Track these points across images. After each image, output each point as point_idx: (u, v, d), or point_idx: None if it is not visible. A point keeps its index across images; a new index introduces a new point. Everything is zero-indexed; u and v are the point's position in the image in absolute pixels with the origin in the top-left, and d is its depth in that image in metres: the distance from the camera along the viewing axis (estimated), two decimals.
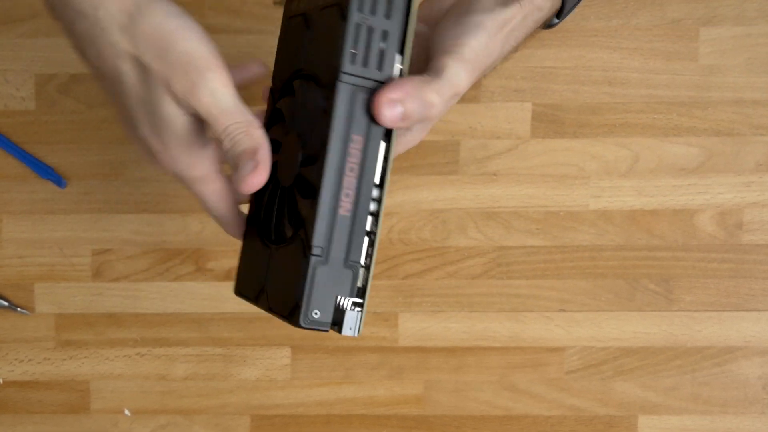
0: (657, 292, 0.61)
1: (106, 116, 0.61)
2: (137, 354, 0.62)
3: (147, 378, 0.62)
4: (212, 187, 0.45)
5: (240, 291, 0.50)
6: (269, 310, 0.45)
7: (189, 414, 0.63)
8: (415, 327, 0.61)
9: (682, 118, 0.59)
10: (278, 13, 0.59)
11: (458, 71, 0.45)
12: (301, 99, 0.46)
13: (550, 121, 0.59)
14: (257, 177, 0.42)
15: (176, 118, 0.42)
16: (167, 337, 0.62)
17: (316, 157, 0.42)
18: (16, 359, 0.63)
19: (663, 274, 0.60)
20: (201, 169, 0.44)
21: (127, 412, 0.63)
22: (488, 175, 0.60)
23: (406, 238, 0.61)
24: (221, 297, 0.62)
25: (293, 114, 0.46)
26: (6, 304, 0.61)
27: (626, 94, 0.59)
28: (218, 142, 0.44)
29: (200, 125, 0.44)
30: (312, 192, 0.42)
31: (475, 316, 0.61)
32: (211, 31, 0.60)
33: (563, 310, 0.61)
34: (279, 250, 0.45)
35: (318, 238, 0.41)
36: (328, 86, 0.41)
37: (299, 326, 0.41)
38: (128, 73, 0.42)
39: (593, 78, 0.59)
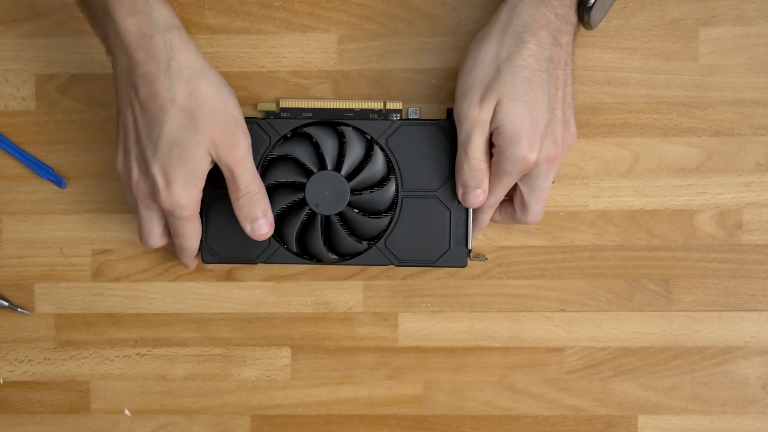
0: (657, 292, 0.61)
1: (106, 116, 0.61)
2: (137, 354, 0.62)
3: (147, 378, 0.63)
4: (193, 225, 0.54)
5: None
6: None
7: (189, 414, 0.63)
8: (415, 327, 0.62)
9: (681, 118, 0.59)
10: (278, 13, 0.60)
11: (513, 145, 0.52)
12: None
13: None
14: (269, 231, 0.54)
15: (202, 163, 0.51)
16: (167, 337, 0.62)
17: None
18: (16, 359, 0.63)
19: (663, 274, 0.60)
20: (192, 209, 0.53)
21: (127, 412, 0.63)
22: None
23: None
24: (221, 297, 0.62)
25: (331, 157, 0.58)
26: (6, 304, 0.62)
27: (626, 94, 0.59)
28: (232, 195, 0.53)
29: (205, 177, 0.52)
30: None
31: (475, 316, 0.61)
32: (211, 31, 0.60)
33: (563, 310, 0.61)
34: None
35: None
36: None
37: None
38: (173, 119, 0.50)
39: (593, 78, 0.59)
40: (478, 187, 0.54)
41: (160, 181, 0.51)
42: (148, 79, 0.50)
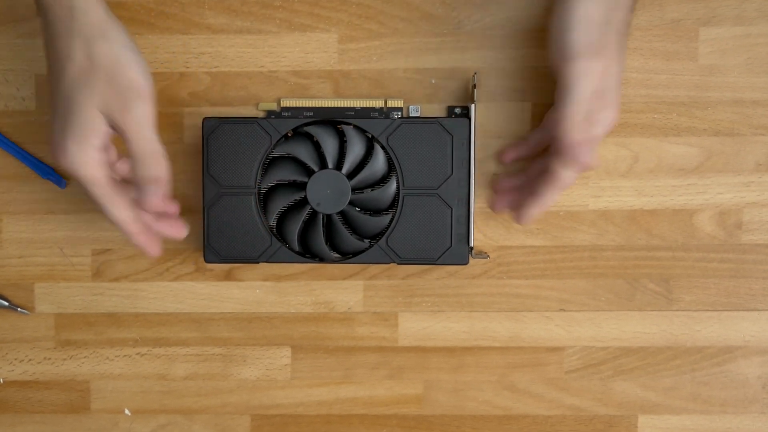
0: (657, 291, 0.61)
1: None
2: (137, 354, 0.62)
3: (147, 378, 0.62)
4: (103, 192, 0.52)
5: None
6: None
7: (189, 414, 0.63)
8: (415, 327, 0.61)
9: (681, 118, 0.59)
10: (278, 13, 0.60)
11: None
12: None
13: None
14: (159, 200, 0.52)
15: (95, 122, 0.50)
16: (167, 337, 0.62)
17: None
18: (16, 359, 0.63)
19: (663, 274, 0.61)
20: (91, 170, 0.51)
21: (127, 412, 0.63)
22: (488, 175, 0.60)
23: None
24: (221, 297, 0.62)
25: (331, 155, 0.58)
26: (6, 304, 0.61)
27: (626, 94, 0.59)
28: (130, 159, 0.52)
29: (107, 142, 0.52)
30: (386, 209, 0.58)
31: (475, 316, 0.61)
32: (211, 31, 0.60)
33: (563, 310, 0.61)
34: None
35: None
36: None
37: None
38: (68, 76, 0.50)
39: None
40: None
41: (57, 139, 0.51)
42: (53, 39, 0.51)
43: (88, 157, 0.51)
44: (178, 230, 0.57)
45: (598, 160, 0.49)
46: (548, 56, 0.53)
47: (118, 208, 0.53)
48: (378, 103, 0.59)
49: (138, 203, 0.53)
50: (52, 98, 0.52)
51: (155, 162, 0.52)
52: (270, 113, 0.60)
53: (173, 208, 0.57)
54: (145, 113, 0.51)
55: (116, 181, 0.53)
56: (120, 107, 0.50)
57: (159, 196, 0.53)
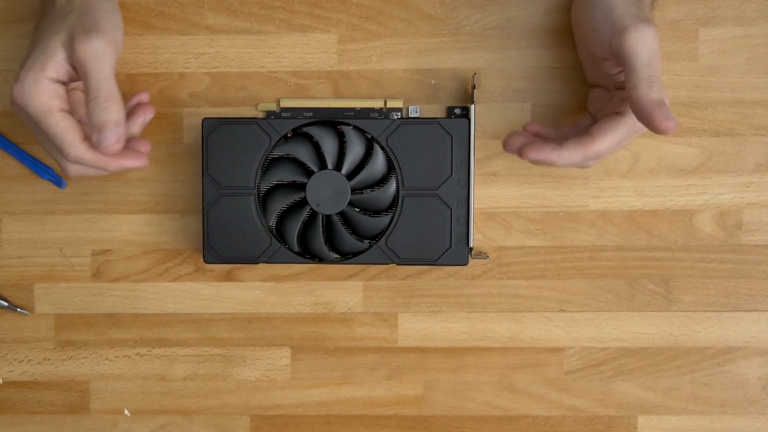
0: (656, 292, 0.61)
1: None
2: (137, 354, 0.62)
3: (147, 378, 0.62)
4: (59, 123, 0.51)
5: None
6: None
7: (189, 414, 0.63)
8: (415, 327, 0.61)
9: (681, 119, 0.59)
10: (278, 13, 0.60)
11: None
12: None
13: (550, 121, 0.59)
14: (116, 146, 0.51)
15: (53, 50, 0.51)
16: (167, 338, 0.62)
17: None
18: (15, 359, 0.63)
19: (662, 275, 0.60)
20: (45, 98, 0.51)
21: (126, 412, 0.63)
22: (488, 176, 0.60)
23: None
24: (221, 297, 0.62)
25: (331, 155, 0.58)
26: (6, 304, 0.61)
27: None
28: (86, 99, 0.51)
29: (64, 79, 0.52)
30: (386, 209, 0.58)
31: (474, 317, 0.61)
32: (211, 31, 0.60)
33: (563, 311, 0.61)
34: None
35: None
36: None
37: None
38: (46, 19, 0.53)
39: None
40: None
41: (17, 75, 0.52)
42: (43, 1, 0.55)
43: (41, 86, 0.51)
44: (140, 160, 0.55)
45: (675, 124, 0.48)
46: (593, 45, 0.53)
47: (76, 140, 0.52)
48: (378, 104, 0.59)
49: (99, 147, 0.51)
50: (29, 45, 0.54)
51: (112, 104, 0.51)
52: (270, 114, 0.60)
53: (145, 146, 0.57)
54: (105, 50, 0.51)
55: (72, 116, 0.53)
56: (82, 39, 0.50)
57: (118, 141, 0.51)
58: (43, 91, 0.51)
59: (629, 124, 0.52)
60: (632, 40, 0.49)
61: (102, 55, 0.51)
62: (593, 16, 0.52)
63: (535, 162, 0.53)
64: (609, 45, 0.51)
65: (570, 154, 0.51)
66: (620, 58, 0.50)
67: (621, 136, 0.52)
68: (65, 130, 0.51)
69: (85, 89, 0.51)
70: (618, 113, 0.52)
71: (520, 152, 0.53)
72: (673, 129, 0.48)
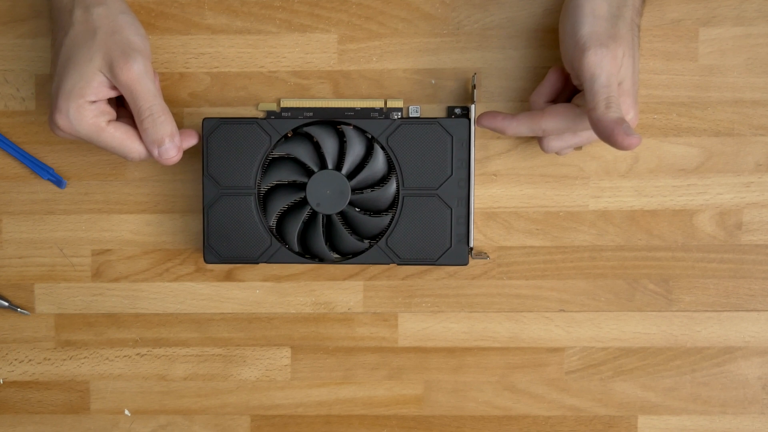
0: (657, 292, 0.61)
1: None
2: (137, 354, 0.62)
3: (147, 378, 0.62)
4: (112, 135, 0.53)
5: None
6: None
7: (189, 414, 0.63)
8: (415, 327, 0.61)
9: (681, 119, 0.59)
10: (278, 13, 0.60)
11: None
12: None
13: None
14: (177, 156, 0.54)
15: (92, 78, 0.52)
16: (167, 338, 0.62)
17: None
18: (16, 359, 0.63)
19: (663, 275, 0.61)
20: (91, 119, 0.53)
21: (127, 412, 0.63)
22: (488, 176, 0.60)
23: None
24: (221, 297, 0.62)
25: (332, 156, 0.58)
26: (6, 304, 0.61)
27: None
28: (137, 119, 0.53)
29: (107, 104, 0.54)
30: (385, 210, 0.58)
31: (475, 316, 0.61)
32: (211, 31, 0.60)
33: (563, 311, 0.61)
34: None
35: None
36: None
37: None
38: (69, 39, 0.53)
39: None
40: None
41: (53, 103, 0.53)
42: (57, 12, 0.54)
43: (85, 111, 0.52)
44: (193, 138, 0.57)
45: (637, 139, 0.49)
46: (563, 56, 0.54)
47: (135, 144, 0.54)
48: (378, 104, 0.59)
49: (161, 160, 0.54)
50: (52, 69, 0.54)
51: (165, 117, 0.53)
52: (270, 114, 0.60)
53: (193, 138, 0.57)
54: (146, 68, 0.53)
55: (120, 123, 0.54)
56: (122, 63, 0.52)
57: (177, 151, 0.54)
58: (88, 115, 0.52)
59: (580, 117, 0.54)
60: (591, 62, 0.51)
61: (145, 74, 0.52)
62: (564, 31, 0.54)
63: (490, 128, 0.56)
64: (571, 63, 0.53)
65: (519, 124, 0.55)
66: (580, 78, 0.52)
67: (568, 124, 0.54)
68: (121, 140, 0.54)
69: (136, 108, 0.53)
70: (577, 105, 0.54)
71: (477, 121, 0.56)
72: (636, 144, 0.49)
